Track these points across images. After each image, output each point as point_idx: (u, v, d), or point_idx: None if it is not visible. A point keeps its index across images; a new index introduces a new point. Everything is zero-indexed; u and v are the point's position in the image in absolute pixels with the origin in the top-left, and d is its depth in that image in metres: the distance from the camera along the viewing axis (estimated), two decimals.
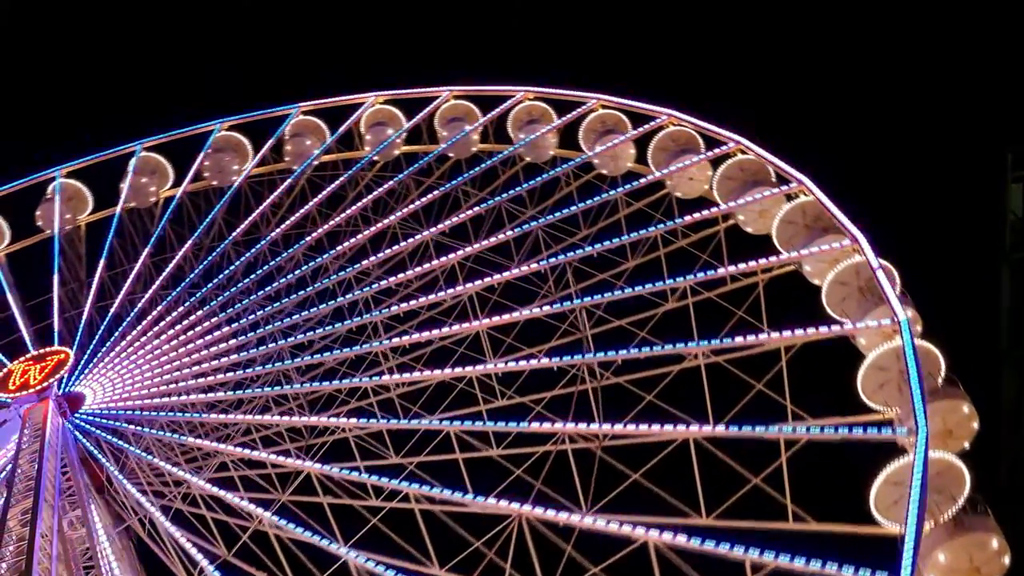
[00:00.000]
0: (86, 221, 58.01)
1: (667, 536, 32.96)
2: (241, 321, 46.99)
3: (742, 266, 42.11)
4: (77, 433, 43.43)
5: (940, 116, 65.31)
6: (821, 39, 71.82)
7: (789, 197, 44.26)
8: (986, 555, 32.72)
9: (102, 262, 52.60)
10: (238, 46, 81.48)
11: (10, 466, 41.29)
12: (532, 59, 75.09)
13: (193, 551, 37.88)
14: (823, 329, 38.54)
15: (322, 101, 58.28)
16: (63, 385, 44.73)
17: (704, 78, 70.84)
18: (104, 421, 43.73)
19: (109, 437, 43.02)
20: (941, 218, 62.52)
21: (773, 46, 72.01)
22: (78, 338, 47.67)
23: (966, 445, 36.28)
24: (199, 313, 47.89)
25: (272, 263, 50.07)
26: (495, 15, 79.11)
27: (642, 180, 48.53)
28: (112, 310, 49.30)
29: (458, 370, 42.31)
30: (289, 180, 54.84)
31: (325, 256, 49.30)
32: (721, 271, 42.52)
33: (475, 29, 79.89)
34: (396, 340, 44.52)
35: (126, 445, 42.50)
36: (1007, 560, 32.99)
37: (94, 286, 51.04)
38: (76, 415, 44.04)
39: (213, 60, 79.09)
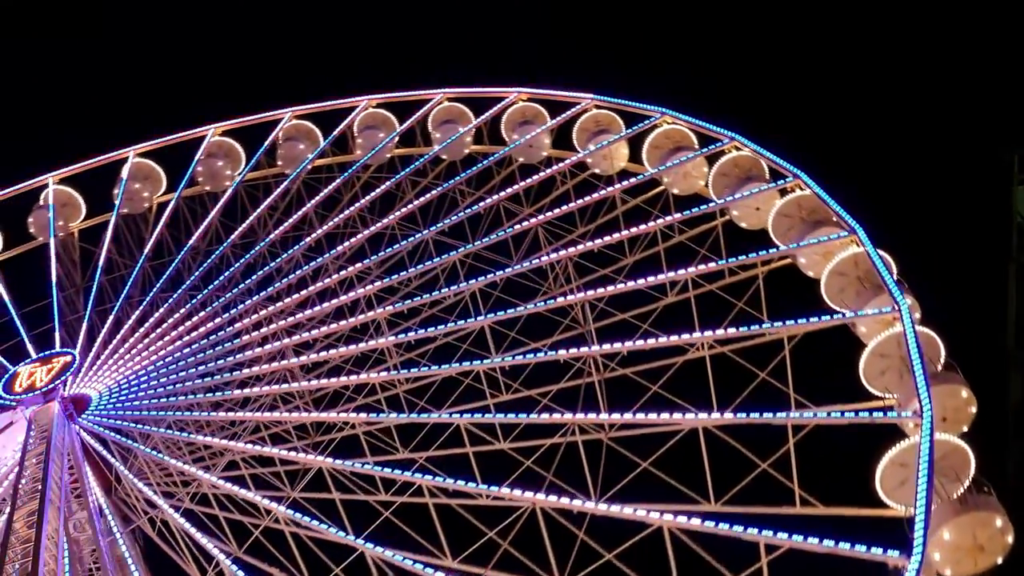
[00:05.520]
0: (79, 228, 58.38)
1: (681, 520, 33.41)
2: (244, 320, 47.18)
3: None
4: (84, 434, 43.45)
5: (947, 119, 65.10)
6: (827, 41, 72.12)
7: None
8: (989, 532, 33.07)
9: (100, 266, 52.83)
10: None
11: (16, 468, 41.40)
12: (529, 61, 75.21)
13: (209, 546, 37.89)
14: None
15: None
16: (69, 387, 44.81)
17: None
18: (111, 421, 43.76)
19: (117, 437, 42.99)
20: (948, 220, 62.10)
21: (776, 50, 72.57)
22: (80, 342, 47.70)
23: (964, 429, 36.54)
24: (201, 314, 48.05)
25: (271, 265, 50.31)
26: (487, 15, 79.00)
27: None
28: (112, 314, 49.41)
29: (466, 364, 42.52)
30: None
31: (325, 256, 49.64)
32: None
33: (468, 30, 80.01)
34: (401, 336, 44.80)
35: (135, 444, 42.52)
36: (1010, 539, 33.39)
37: (93, 291, 51.11)
38: (82, 416, 44.03)
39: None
